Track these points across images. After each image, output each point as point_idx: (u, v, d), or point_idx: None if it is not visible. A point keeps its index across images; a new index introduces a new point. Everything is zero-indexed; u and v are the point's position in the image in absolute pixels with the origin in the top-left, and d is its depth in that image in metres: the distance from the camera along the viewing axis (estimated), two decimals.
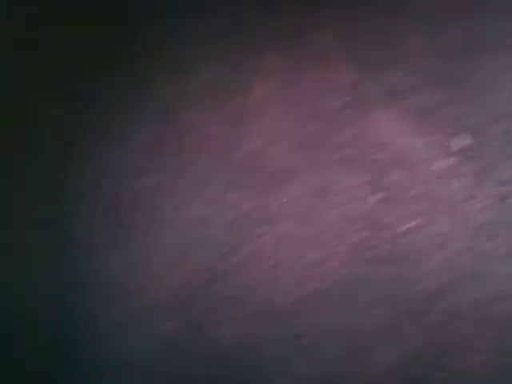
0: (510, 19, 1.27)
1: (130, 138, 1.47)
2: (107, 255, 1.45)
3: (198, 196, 1.39)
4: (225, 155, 1.39)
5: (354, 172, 1.33)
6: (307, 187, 1.35)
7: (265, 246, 1.36)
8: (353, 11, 1.36)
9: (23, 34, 1.47)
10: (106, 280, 1.45)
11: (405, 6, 1.33)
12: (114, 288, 1.44)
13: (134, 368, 1.41)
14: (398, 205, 1.31)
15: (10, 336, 1.42)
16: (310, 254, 1.34)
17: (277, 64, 1.40)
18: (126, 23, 1.53)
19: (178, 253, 1.40)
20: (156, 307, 1.41)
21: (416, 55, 1.32)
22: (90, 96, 1.50)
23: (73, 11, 1.52)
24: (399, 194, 1.31)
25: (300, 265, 1.34)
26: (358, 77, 1.35)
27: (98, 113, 1.49)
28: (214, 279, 1.38)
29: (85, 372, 1.44)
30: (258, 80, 1.41)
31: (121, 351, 1.42)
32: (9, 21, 1.39)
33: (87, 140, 1.50)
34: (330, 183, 1.34)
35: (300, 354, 1.33)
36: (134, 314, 1.42)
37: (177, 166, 1.42)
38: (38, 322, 1.45)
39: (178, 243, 1.40)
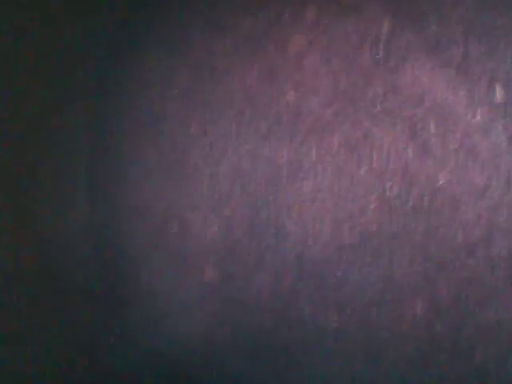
0: None
1: (167, 88, 1.47)
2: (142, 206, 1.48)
3: (233, 149, 1.41)
4: (261, 108, 1.39)
5: (390, 126, 1.32)
6: (343, 141, 1.35)
7: (299, 199, 1.37)
8: None
9: None
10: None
11: None
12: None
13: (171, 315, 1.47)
14: (433, 159, 1.30)
15: None
16: (344, 209, 1.35)
17: (314, 17, 1.38)
18: None
19: (214, 205, 1.42)
20: (194, 257, 1.44)
21: (451, 7, 1.29)
22: (126, 44, 1.49)
23: None
24: (435, 147, 1.30)
25: (334, 218, 1.35)
26: (394, 30, 1.32)
27: (133, 62, 1.49)
28: (250, 231, 1.40)
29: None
30: (296, 33, 1.39)
31: (160, 299, 1.48)
32: None
33: (123, 90, 1.51)
34: (365, 137, 1.34)
35: (332, 306, 1.36)
36: (172, 263, 1.46)
37: (212, 118, 1.43)
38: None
39: (212, 196, 1.42)
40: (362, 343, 1.35)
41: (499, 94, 1.27)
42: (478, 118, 1.28)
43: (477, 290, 1.29)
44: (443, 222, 1.30)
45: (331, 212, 1.35)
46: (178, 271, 1.45)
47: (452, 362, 1.31)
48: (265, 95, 1.39)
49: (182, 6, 1.46)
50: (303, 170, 1.37)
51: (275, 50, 1.39)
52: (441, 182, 1.30)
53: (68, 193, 1.48)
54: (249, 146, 1.40)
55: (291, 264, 1.37)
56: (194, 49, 1.43)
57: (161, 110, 1.45)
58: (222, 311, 1.42)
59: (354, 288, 1.35)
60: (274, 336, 1.40)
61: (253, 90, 1.40)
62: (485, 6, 1.28)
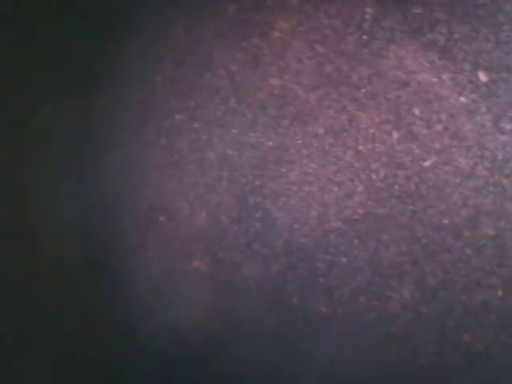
0: None
1: (150, 75, 1.46)
2: (127, 196, 1.48)
3: (219, 136, 1.41)
4: (245, 95, 1.39)
5: (375, 109, 1.33)
6: (328, 126, 1.35)
7: (285, 184, 1.37)
8: None
9: None
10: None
11: None
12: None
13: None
14: (418, 141, 1.31)
15: None
16: (330, 193, 1.35)
17: (298, 2, 1.38)
18: None
19: (200, 193, 1.42)
20: (182, 244, 1.44)
21: None
22: (108, 33, 1.49)
23: None
24: (420, 130, 1.30)
25: (321, 203, 1.35)
26: (378, 13, 1.32)
27: (116, 50, 1.48)
28: (238, 217, 1.40)
29: None
30: (280, 18, 1.39)
31: (149, 287, 1.48)
32: None
33: (106, 78, 1.50)
34: (350, 121, 1.34)
35: (321, 290, 1.37)
36: (160, 250, 1.46)
37: (196, 106, 1.42)
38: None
39: (199, 183, 1.42)
40: (350, 326, 1.35)
41: (483, 75, 1.28)
42: (463, 99, 1.29)
43: (464, 271, 1.30)
44: (429, 204, 1.31)
45: (318, 197, 1.36)
46: (166, 259, 1.45)
47: (440, 344, 1.32)
48: (249, 81, 1.39)
49: None
50: (289, 156, 1.37)
51: (259, 35, 1.39)
52: (426, 165, 1.30)
53: (53, 181, 1.47)
54: (234, 133, 1.40)
55: (279, 249, 1.38)
56: (177, 35, 1.43)
57: (145, 97, 1.45)
58: (212, 298, 1.42)
59: (342, 272, 1.35)
60: (265, 322, 1.40)
61: (237, 76, 1.39)
62: None
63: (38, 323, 1.35)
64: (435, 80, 1.30)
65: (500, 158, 1.27)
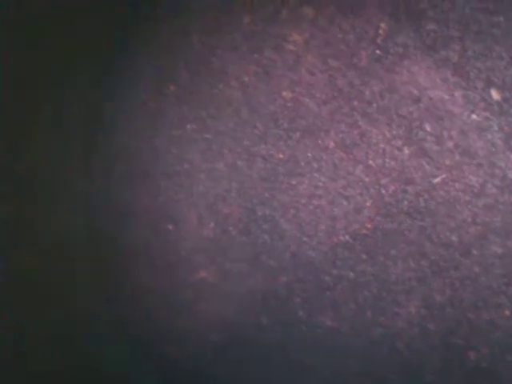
0: None
1: (163, 84, 1.47)
2: (136, 204, 1.48)
3: (230, 147, 1.41)
4: (257, 106, 1.40)
5: (386, 125, 1.33)
6: (339, 140, 1.35)
7: (295, 197, 1.37)
8: None
9: None
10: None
11: None
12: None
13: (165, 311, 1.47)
14: (428, 158, 1.31)
15: None
16: (339, 207, 1.35)
17: (312, 15, 1.38)
18: None
19: (209, 203, 1.42)
20: (189, 255, 1.44)
21: (449, 6, 1.29)
22: (123, 40, 1.49)
23: None
24: (431, 146, 1.30)
25: (330, 217, 1.35)
26: (391, 29, 1.33)
27: (130, 58, 1.49)
28: (246, 229, 1.40)
29: None
30: (294, 31, 1.39)
31: (156, 297, 1.48)
32: None
33: (119, 86, 1.50)
34: (361, 136, 1.34)
35: (327, 305, 1.36)
36: (168, 260, 1.46)
37: (208, 117, 1.43)
38: None
39: (208, 193, 1.42)
40: (356, 341, 1.35)
41: (495, 93, 1.28)
42: (474, 117, 1.29)
43: (471, 289, 1.29)
44: (438, 221, 1.31)
45: (327, 211, 1.36)
46: (173, 269, 1.45)
47: (445, 361, 1.31)
48: (261, 94, 1.39)
49: (180, 4, 1.46)
50: (299, 169, 1.37)
51: (272, 48, 1.39)
52: (436, 181, 1.30)
53: (63, 190, 1.48)
54: (245, 144, 1.40)
55: (286, 262, 1.38)
56: (192, 46, 1.43)
57: (157, 106, 1.45)
58: (218, 309, 1.42)
59: (349, 286, 1.35)
60: (270, 335, 1.40)
61: (250, 88, 1.40)
62: (482, 5, 1.28)
63: (36, 325, 1.35)
64: (447, 97, 1.30)
65: (510, 176, 1.27)
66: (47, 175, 1.43)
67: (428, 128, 1.31)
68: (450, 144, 1.30)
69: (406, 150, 1.32)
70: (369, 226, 1.34)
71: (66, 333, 1.42)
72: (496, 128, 1.28)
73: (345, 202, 1.35)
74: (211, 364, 1.43)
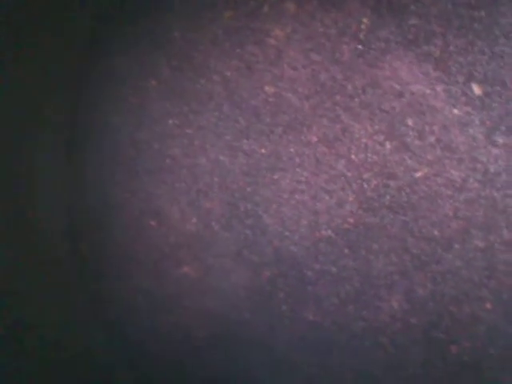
0: None
1: (145, 79, 1.46)
2: (119, 199, 1.47)
3: (212, 142, 1.41)
4: (239, 101, 1.39)
5: (368, 119, 1.33)
6: (321, 135, 1.35)
7: (277, 193, 1.37)
8: None
9: None
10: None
11: None
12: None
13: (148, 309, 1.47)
14: (410, 152, 1.31)
15: None
16: (321, 202, 1.35)
17: (294, 10, 1.38)
18: None
19: (192, 199, 1.42)
20: (172, 250, 1.44)
21: (431, 1, 1.29)
22: (104, 36, 1.49)
23: None
24: (413, 141, 1.31)
25: (312, 211, 1.35)
26: (374, 24, 1.33)
27: (111, 54, 1.48)
28: (229, 224, 1.40)
29: None
30: (276, 26, 1.39)
31: (139, 292, 1.48)
32: None
33: (100, 81, 1.50)
34: (344, 131, 1.34)
35: (309, 299, 1.37)
36: (151, 256, 1.46)
37: (190, 112, 1.42)
38: None
39: (191, 188, 1.42)
40: (338, 335, 1.35)
41: (476, 88, 1.28)
42: (456, 111, 1.29)
43: (453, 283, 1.30)
44: (420, 215, 1.31)
45: (309, 205, 1.36)
46: (156, 264, 1.45)
47: (427, 355, 1.32)
48: (244, 89, 1.39)
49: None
50: (281, 164, 1.37)
51: (254, 43, 1.38)
52: (418, 176, 1.31)
53: (44, 188, 1.47)
54: (227, 139, 1.40)
55: (269, 257, 1.38)
56: (174, 41, 1.43)
57: (139, 102, 1.45)
58: (201, 304, 1.42)
59: (332, 281, 1.35)
60: (253, 329, 1.40)
61: (232, 83, 1.39)
62: (464, 0, 1.28)
63: (23, 327, 1.35)
64: (429, 92, 1.30)
65: (492, 171, 1.28)
66: (27, 171, 1.43)
67: (410, 123, 1.31)
68: (432, 139, 1.30)
69: (388, 145, 1.32)
70: (351, 220, 1.34)
71: (49, 332, 1.42)
72: (477, 122, 1.28)
73: (327, 197, 1.35)
74: (195, 358, 1.43)
